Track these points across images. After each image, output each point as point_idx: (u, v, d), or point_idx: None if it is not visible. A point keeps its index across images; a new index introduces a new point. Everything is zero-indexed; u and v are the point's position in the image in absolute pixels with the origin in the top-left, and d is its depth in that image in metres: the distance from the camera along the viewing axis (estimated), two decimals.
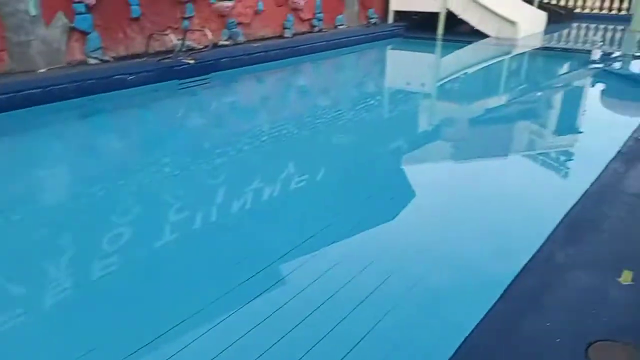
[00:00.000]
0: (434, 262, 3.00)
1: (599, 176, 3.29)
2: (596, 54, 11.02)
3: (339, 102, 7.77)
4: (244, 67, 8.79)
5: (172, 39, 7.98)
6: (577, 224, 2.66)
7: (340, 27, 12.34)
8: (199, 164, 5.02)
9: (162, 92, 7.35)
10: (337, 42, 10.93)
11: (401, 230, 3.55)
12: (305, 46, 10.29)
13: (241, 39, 9.94)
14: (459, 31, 12.65)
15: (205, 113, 7.21)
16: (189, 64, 7.77)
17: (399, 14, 13.60)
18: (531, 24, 12.51)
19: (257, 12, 10.19)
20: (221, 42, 9.59)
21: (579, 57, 10.70)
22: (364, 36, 11.63)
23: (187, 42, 8.67)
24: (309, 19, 11.54)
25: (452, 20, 12.45)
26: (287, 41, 10.44)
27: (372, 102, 7.84)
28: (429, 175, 4.78)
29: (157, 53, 8.38)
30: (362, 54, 11.40)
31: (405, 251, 3.16)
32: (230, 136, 5.94)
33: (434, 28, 12.56)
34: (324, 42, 10.71)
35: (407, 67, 10.89)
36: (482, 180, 4.43)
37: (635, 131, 4.29)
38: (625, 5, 15.82)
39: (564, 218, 2.72)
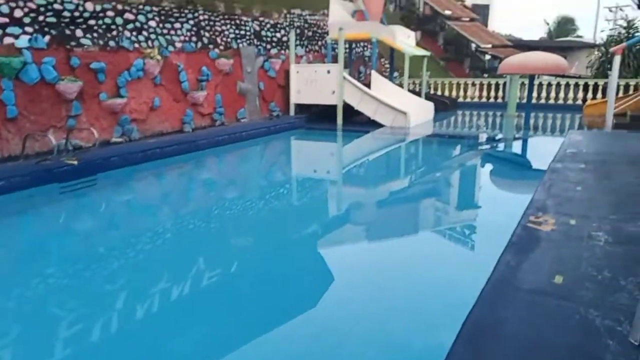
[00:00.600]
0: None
1: (493, 272, 3.20)
2: (481, 139, 11.97)
3: (245, 193, 7.53)
4: (138, 165, 8.31)
5: (52, 139, 7.38)
6: (477, 333, 2.47)
7: (242, 120, 12.41)
8: (85, 273, 4.36)
9: (39, 197, 6.61)
10: (239, 135, 10.88)
11: (324, 316, 3.41)
12: (205, 140, 10.09)
13: (136, 135, 9.54)
14: (357, 121, 13.28)
15: (89, 216, 6.54)
16: (72, 164, 7.17)
17: (300, 107, 14.07)
18: (421, 114, 13.48)
19: (153, 108, 9.93)
20: (113, 140, 9.10)
21: (465, 142, 11.52)
22: (265, 129, 11.74)
23: (74, 141, 8.10)
24: (209, 113, 11.48)
25: (350, 110, 13.07)
26: (187, 136, 10.20)
27: (281, 191, 7.72)
28: (344, 258, 4.80)
29: (38, 154, 7.70)
30: (266, 146, 11.43)
31: (330, 339, 3.03)
32: (121, 240, 5.35)
33: (333, 119, 13.07)
34: (226, 136, 10.61)
35: (311, 156, 11.03)
36: (385, 280, 4.25)
37: (522, 217, 4.40)
38: (500, 93, 17.75)
39: (463, 326, 2.52)
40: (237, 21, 12.93)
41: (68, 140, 7.84)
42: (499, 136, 12.52)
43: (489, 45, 24.57)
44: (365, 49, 18.78)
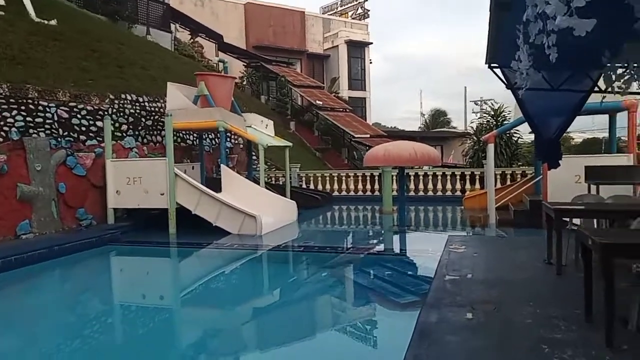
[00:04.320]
0: None
1: None
2: (344, 250, 9.59)
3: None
4: None
5: None
6: None
7: (25, 236, 8.87)
8: None
9: None
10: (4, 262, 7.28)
11: None
12: None
13: None
14: (207, 226, 10.19)
15: None
16: None
17: (130, 211, 10.91)
18: (279, 216, 10.91)
19: None
20: None
21: (322, 257, 8.60)
22: (46, 250, 8.04)
23: None
24: None
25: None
26: None
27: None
28: None
29: None
30: (38, 279, 7.67)
31: None
32: None
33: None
34: None
35: (100, 294, 7.37)
36: None
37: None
38: (376, 186, 16.00)
39: None
40: (31, 106, 9.80)
41: None
42: (366, 244, 10.23)
43: (367, 135, 23.69)
44: (228, 139, 16.38)
